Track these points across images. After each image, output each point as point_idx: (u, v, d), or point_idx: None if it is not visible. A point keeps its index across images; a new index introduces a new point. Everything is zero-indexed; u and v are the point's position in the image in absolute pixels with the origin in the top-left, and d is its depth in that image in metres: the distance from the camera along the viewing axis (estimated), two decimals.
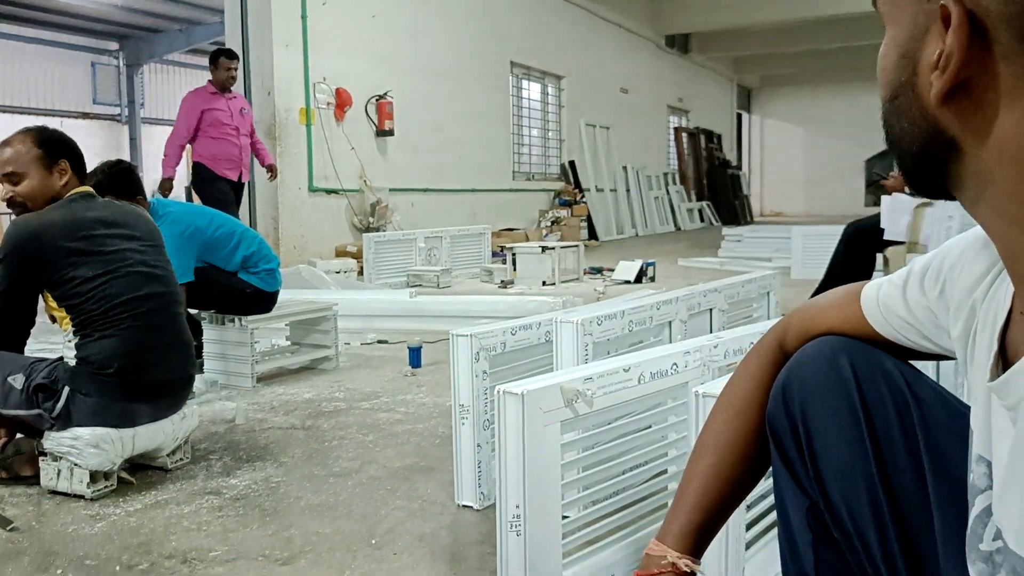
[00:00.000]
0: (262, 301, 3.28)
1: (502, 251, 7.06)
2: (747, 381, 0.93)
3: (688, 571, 0.89)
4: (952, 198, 0.59)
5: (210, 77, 5.63)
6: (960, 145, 0.56)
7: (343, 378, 3.35)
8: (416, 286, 6.19)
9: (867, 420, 0.80)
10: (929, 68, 0.55)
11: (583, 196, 11.67)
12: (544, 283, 6.34)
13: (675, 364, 1.54)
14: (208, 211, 3.46)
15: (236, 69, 5.65)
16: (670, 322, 2.16)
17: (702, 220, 15.44)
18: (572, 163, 12.01)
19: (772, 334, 0.94)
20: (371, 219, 7.89)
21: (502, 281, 6.51)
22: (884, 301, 0.82)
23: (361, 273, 6.62)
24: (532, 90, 11.60)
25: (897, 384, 0.81)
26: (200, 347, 3.22)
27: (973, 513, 0.62)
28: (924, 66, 0.55)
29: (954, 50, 0.53)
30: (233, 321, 3.22)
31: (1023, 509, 0.51)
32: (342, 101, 7.71)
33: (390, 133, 8.25)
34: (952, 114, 0.55)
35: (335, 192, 7.68)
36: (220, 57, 5.62)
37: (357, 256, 6.91)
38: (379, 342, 4.12)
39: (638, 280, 6.44)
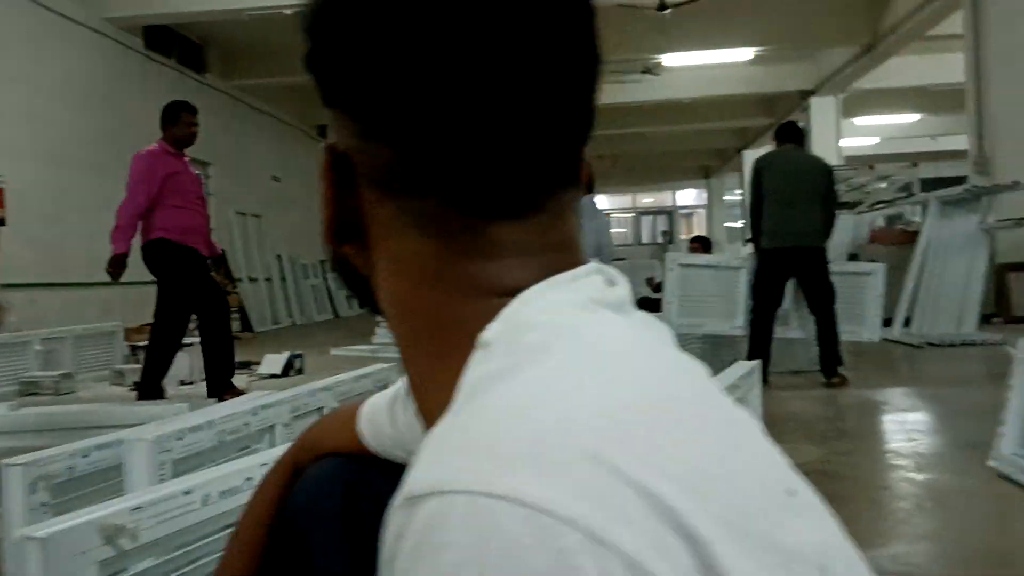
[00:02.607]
0: None
1: (135, 350, 6.53)
2: (258, 504, 0.89)
3: None
4: None
5: (161, 135, 4.81)
6: (369, 281, 0.57)
7: None
8: (31, 395, 5.49)
9: (356, 541, 0.79)
10: (323, 207, 0.56)
11: (235, 286, 11.24)
12: (182, 383, 5.93)
13: (249, 479, 1.46)
14: None
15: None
16: (272, 426, 2.08)
17: (360, 307, 15.54)
18: (222, 252, 11.54)
19: (288, 453, 0.91)
20: None
21: (134, 383, 5.99)
22: (374, 419, 0.82)
23: None
24: None
25: (387, 501, 0.81)
26: None
27: None
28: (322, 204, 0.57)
29: (326, 194, 0.55)
30: None
31: None
32: None
33: (1, 223, 7.36)
34: (352, 252, 0.57)
35: None
36: (182, 111, 4.79)
37: None
38: None
39: (285, 373, 6.27)
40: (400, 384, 0.80)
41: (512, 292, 0.50)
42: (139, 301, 9.40)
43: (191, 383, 5.93)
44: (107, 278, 9.02)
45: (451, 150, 0.50)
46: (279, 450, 1.61)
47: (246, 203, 12.30)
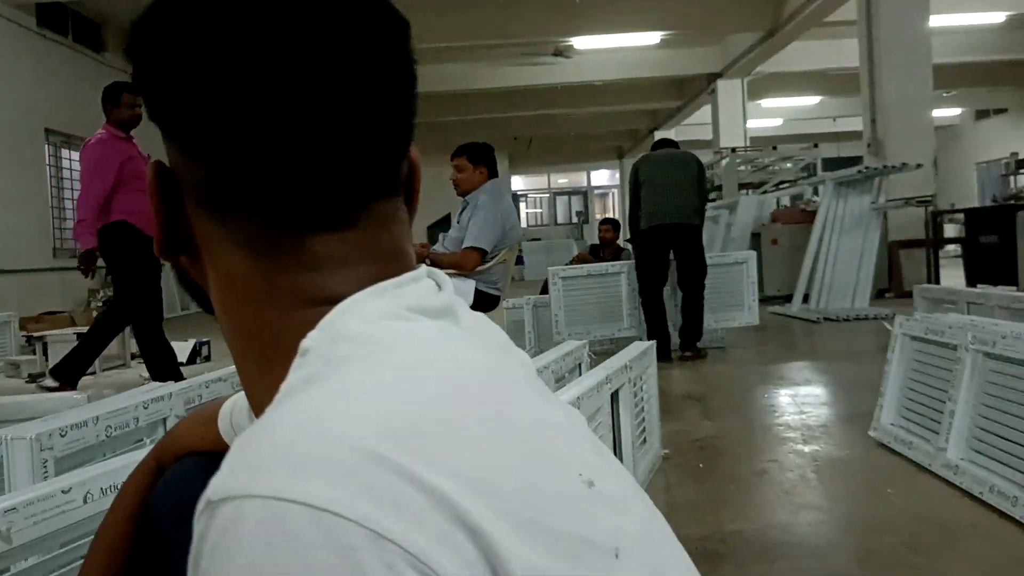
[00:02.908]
0: None
1: (30, 340, 6.29)
2: (120, 507, 0.88)
3: None
4: None
5: (105, 120, 4.50)
6: (206, 293, 0.59)
7: None
8: None
9: None
10: (154, 221, 0.58)
11: None
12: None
13: None
14: None
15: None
16: (165, 419, 2.06)
17: (205, 311, 15.26)
18: None
19: (151, 453, 0.91)
20: None
21: (30, 375, 5.79)
22: (235, 419, 0.84)
23: None
24: (74, 160, 10.64)
25: None
26: None
27: None
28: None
29: (154, 209, 0.56)
30: None
31: None
32: None
33: None
34: (187, 264, 0.59)
35: None
36: (122, 92, 4.51)
37: None
38: None
39: (191, 361, 6.14)
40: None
41: (334, 301, 0.52)
42: (34, 290, 9.07)
43: (92, 374, 5.75)
44: (2, 267, 8.64)
45: (262, 168, 0.51)
46: None
47: None
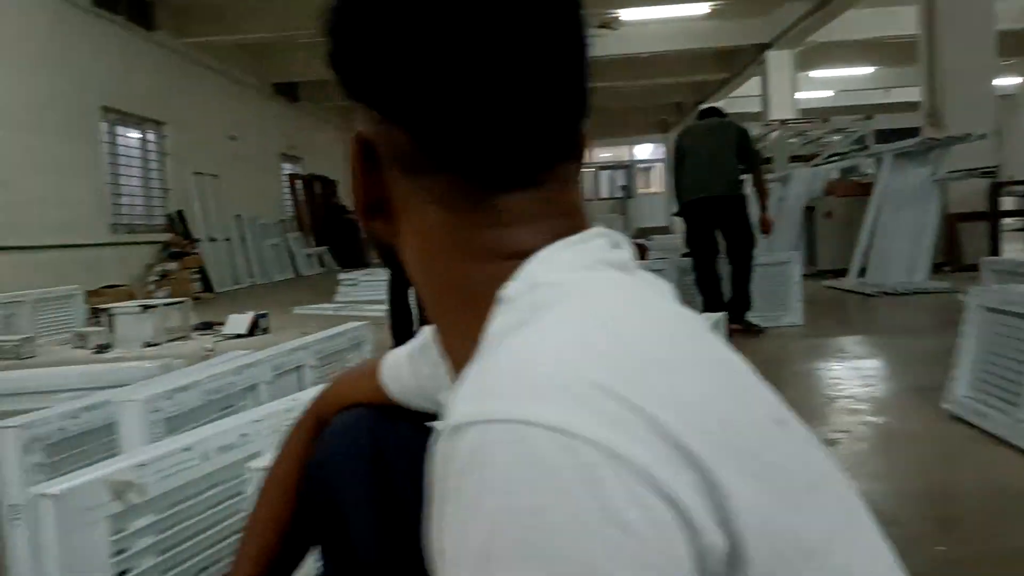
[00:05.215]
0: None
1: (97, 312, 6.46)
2: (285, 458, 0.94)
3: None
4: None
5: None
6: (397, 251, 0.63)
7: None
8: None
9: (386, 488, 0.84)
10: (353, 187, 0.62)
11: (195, 247, 11.11)
12: (147, 344, 5.91)
13: (244, 434, 1.50)
14: None
15: None
16: (255, 385, 2.12)
17: (322, 265, 15.47)
18: (180, 213, 11.39)
19: (311, 407, 0.96)
20: None
21: (98, 346, 5.95)
22: (396, 371, 0.88)
23: None
24: (130, 137, 10.83)
25: (412, 448, 0.87)
26: None
27: None
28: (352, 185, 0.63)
29: (356, 176, 0.61)
30: None
31: None
32: None
33: None
34: (380, 226, 0.63)
35: None
36: None
37: None
38: None
39: (251, 333, 6.26)
40: (419, 339, 0.85)
41: (523, 255, 0.57)
42: (93, 264, 9.29)
43: (156, 344, 5.91)
44: (61, 241, 8.84)
45: (462, 132, 0.56)
46: (272, 406, 1.66)
47: (203, 163, 12.09)
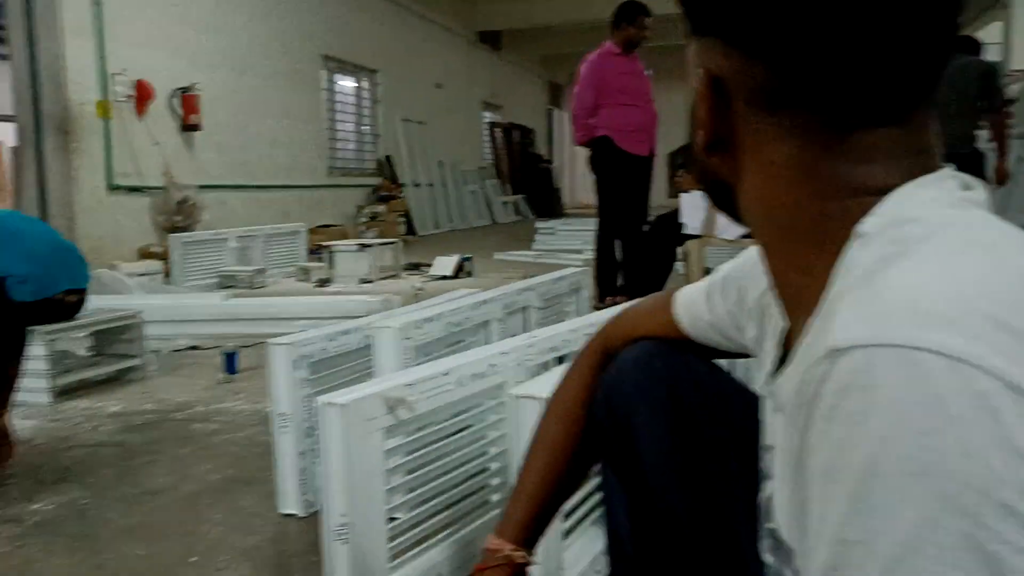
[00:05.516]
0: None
1: (318, 249, 6.93)
2: (574, 383, 1.00)
3: (523, 562, 0.95)
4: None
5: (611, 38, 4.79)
6: (732, 187, 0.64)
7: (153, 388, 3.20)
8: (228, 287, 5.96)
9: (679, 417, 0.89)
10: (699, 125, 0.63)
11: (401, 191, 11.65)
12: (362, 281, 6.29)
13: (492, 365, 1.60)
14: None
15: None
16: (487, 321, 2.23)
17: (517, 213, 15.78)
18: (389, 158, 11.95)
19: (596, 338, 1.02)
20: (177, 218, 7.51)
21: (319, 280, 6.40)
22: (692, 308, 0.91)
23: (168, 276, 6.31)
24: (346, 84, 11.44)
25: (705, 383, 0.91)
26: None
27: (763, 495, 0.71)
28: (697, 122, 0.64)
29: (704, 112, 0.61)
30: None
31: (787, 506, 0.60)
32: (143, 94, 7.29)
33: (197, 128, 7.89)
34: (719, 163, 0.64)
35: (137, 190, 7.26)
36: (640, 15, 4.73)
37: (163, 257, 6.56)
38: (191, 348, 3.96)
39: (456, 275, 6.52)
40: (715, 276, 0.88)
41: (878, 192, 0.56)
42: (312, 204, 9.95)
43: (370, 281, 6.28)
44: (286, 182, 9.45)
45: (825, 66, 0.55)
46: (516, 341, 1.74)
47: (411, 110, 12.59)
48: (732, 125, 0.61)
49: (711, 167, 0.64)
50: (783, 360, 0.67)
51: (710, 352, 0.93)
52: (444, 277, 6.52)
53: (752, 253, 0.83)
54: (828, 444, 0.46)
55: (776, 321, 0.70)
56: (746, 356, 0.91)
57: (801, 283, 0.59)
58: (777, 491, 0.65)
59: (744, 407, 0.88)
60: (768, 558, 0.68)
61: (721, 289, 0.86)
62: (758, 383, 0.74)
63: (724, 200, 0.66)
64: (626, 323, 0.99)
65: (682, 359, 0.91)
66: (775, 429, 0.66)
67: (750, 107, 0.60)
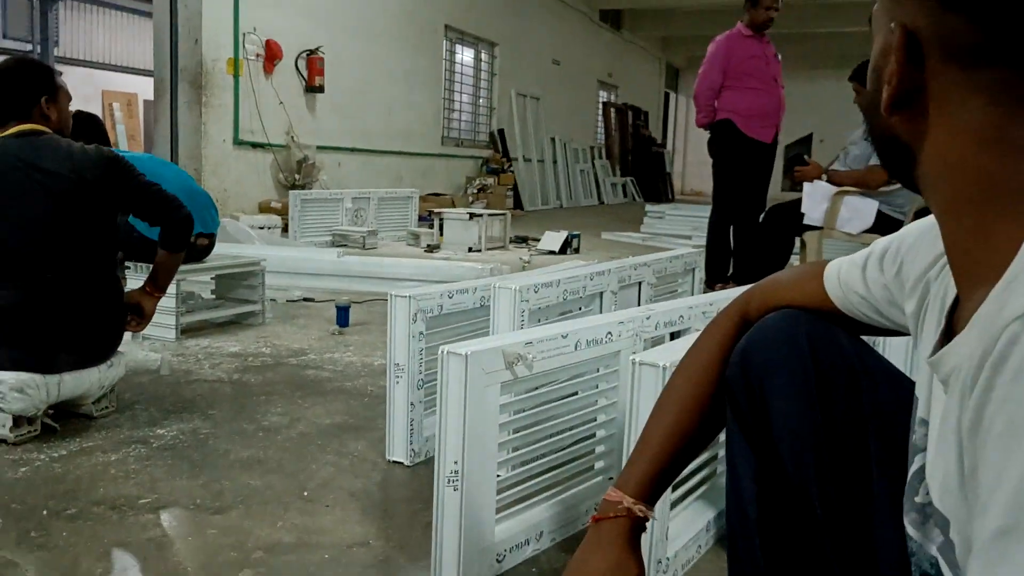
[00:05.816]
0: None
1: (429, 215, 7.04)
2: (710, 345, 1.00)
3: (642, 516, 0.95)
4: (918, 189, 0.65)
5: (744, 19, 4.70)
6: (911, 148, 0.62)
7: (269, 334, 3.33)
8: (342, 246, 6.14)
9: (818, 387, 0.87)
10: (886, 81, 0.61)
11: (511, 165, 11.71)
12: (470, 249, 6.37)
13: (610, 333, 1.60)
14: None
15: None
16: (601, 293, 2.23)
17: (625, 195, 15.65)
18: (501, 131, 12.02)
19: (736, 304, 1.01)
20: (297, 176, 7.76)
21: (428, 245, 6.51)
22: (845, 279, 0.89)
23: (285, 230, 6.53)
24: (465, 56, 11.54)
25: (848, 356, 0.89)
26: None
27: (912, 469, 0.69)
28: (884, 79, 0.62)
29: (895, 67, 0.59)
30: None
31: (944, 471, 0.58)
32: (272, 54, 7.54)
33: (320, 90, 8.11)
34: (901, 122, 0.62)
35: (261, 147, 7.53)
36: None
37: (282, 213, 6.80)
38: (305, 300, 4.10)
39: (562, 251, 6.53)
40: (873, 248, 0.86)
41: None
42: (424, 172, 10.11)
43: (478, 251, 6.35)
44: (400, 148, 9.58)
45: None
46: (633, 312, 1.74)
47: (526, 84, 12.62)
48: (922, 82, 0.59)
49: (891, 127, 0.63)
50: (946, 333, 0.65)
51: (856, 327, 0.91)
52: (551, 252, 6.53)
53: (915, 227, 0.81)
54: (1014, 403, 0.45)
55: (944, 293, 0.68)
56: (895, 334, 0.89)
57: (979, 251, 0.57)
58: (931, 463, 0.63)
59: (889, 386, 0.86)
60: (913, 532, 0.67)
61: (880, 262, 0.84)
62: (919, 357, 0.72)
63: (899, 162, 0.64)
64: (769, 290, 0.98)
65: (827, 330, 0.90)
66: (938, 400, 0.65)
67: (945, 64, 0.58)
